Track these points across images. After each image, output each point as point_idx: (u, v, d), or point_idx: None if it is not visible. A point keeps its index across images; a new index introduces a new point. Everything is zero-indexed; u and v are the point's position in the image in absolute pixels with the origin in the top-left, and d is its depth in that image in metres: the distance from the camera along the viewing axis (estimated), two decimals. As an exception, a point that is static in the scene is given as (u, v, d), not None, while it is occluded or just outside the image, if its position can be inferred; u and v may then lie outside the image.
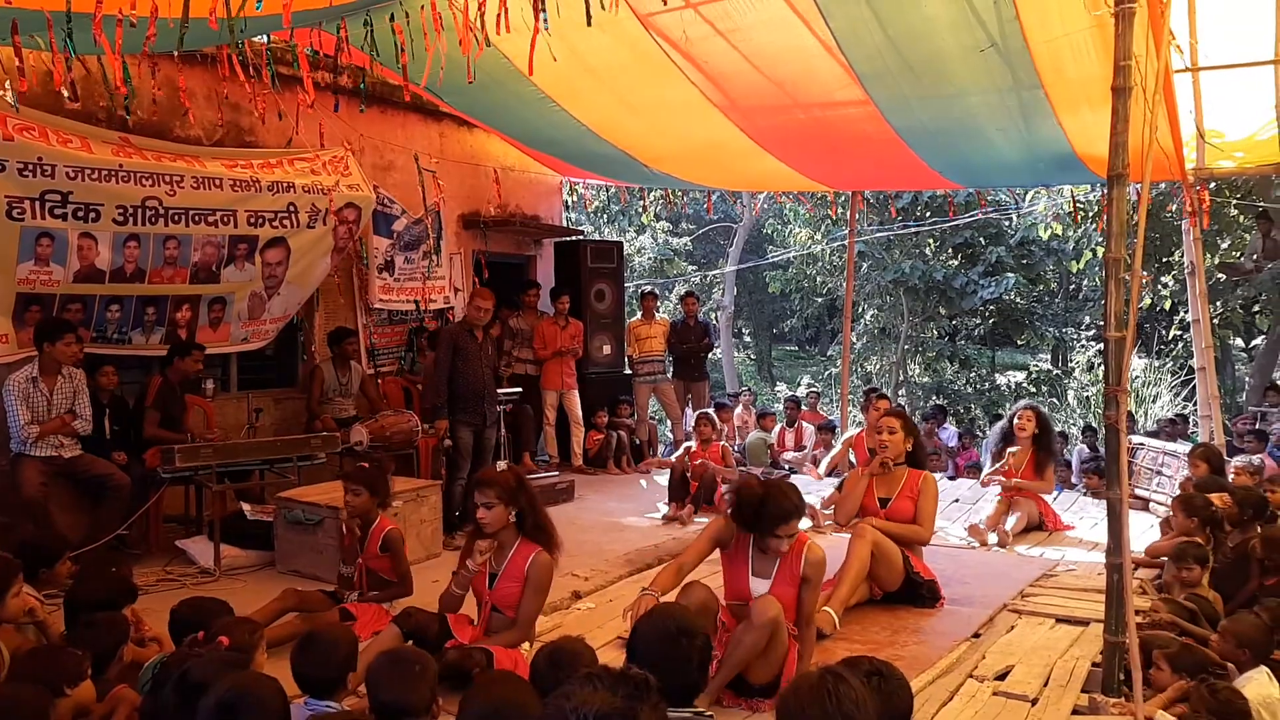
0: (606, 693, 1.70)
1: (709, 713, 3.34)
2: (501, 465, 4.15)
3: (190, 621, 3.60)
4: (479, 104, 7.52)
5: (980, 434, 13.77)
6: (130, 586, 4.12)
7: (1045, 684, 3.98)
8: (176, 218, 6.17)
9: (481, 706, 2.46)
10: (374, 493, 4.70)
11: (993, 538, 6.59)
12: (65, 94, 4.64)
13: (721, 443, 8.07)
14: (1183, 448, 7.66)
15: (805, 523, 6.98)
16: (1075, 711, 3.75)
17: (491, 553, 4.03)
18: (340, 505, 5.46)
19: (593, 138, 7.79)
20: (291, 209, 6.81)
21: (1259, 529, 5.20)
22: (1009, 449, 6.95)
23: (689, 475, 7.61)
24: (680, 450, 7.98)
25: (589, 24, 3.98)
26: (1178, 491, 6.33)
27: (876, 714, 2.08)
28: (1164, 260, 14.49)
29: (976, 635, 4.66)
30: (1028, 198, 14.43)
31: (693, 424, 8.13)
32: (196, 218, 6.28)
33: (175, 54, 5.17)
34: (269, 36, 5.08)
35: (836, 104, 6.60)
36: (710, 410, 8.64)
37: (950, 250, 17.72)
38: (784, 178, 8.92)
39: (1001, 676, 4.10)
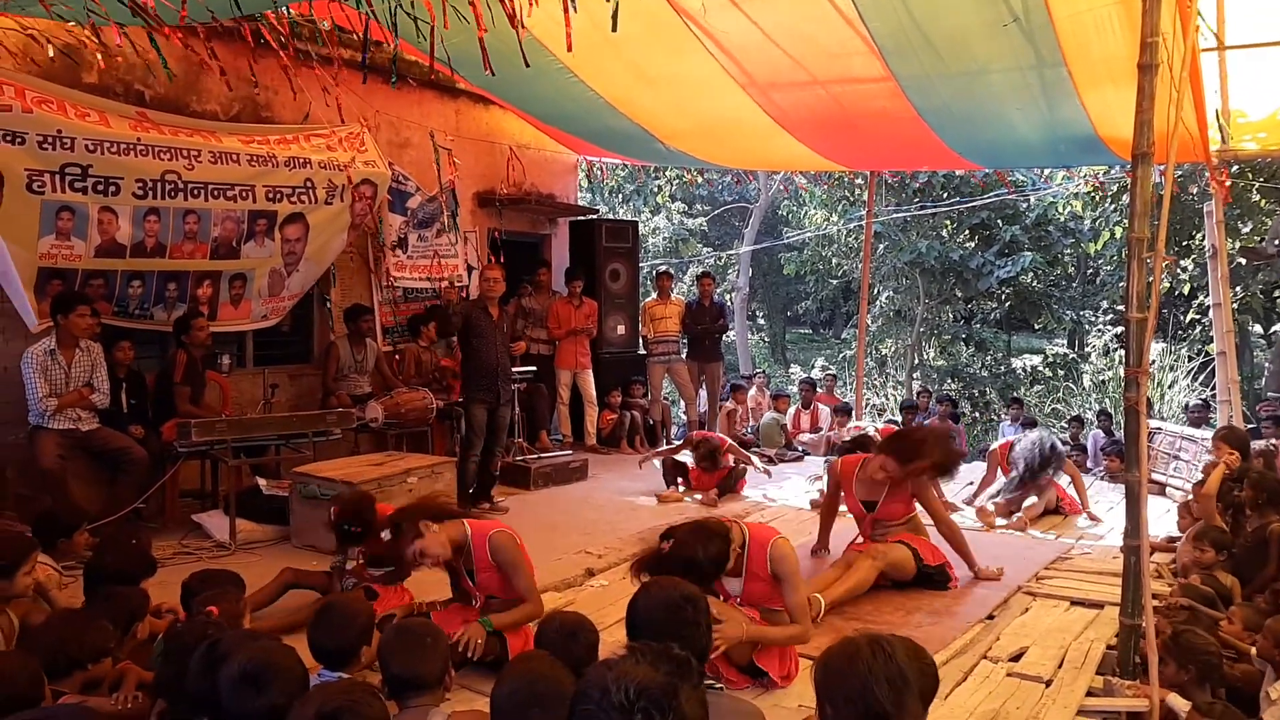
0: (649, 667, 1.70)
1: (719, 685, 3.35)
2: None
3: (202, 594, 3.63)
4: (497, 77, 7.44)
5: (995, 418, 13.71)
6: (150, 560, 4.15)
7: (1060, 666, 3.98)
8: (196, 192, 6.17)
9: (515, 682, 2.46)
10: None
11: (1001, 521, 6.57)
12: (99, 57, 4.63)
13: (728, 440, 8.02)
14: (1202, 433, 7.62)
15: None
16: (1090, 693, 3.74)
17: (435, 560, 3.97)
18: (355, 481, 5.52)
19: (610, 111, 7.74)
20: (309, 185, 6.81)
21: (1278, 515, 5.16)
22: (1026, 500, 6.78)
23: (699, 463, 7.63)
24: (683, 440, 7.94)
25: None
26: (1198, 476, 6.29)
27: (917, 690, 2.06)
28: (1183, 244, 14.36)
29: (991, 617, 4.65)
30: (1043, 176, 14.33)
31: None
32: (216, 192, 6.29)
33: (199, 28, 5.16)
34: (289, 10, 5.04)
35: (857, 79, 6.54)
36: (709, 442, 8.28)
37: (967, 231, 17.60)
38: (801, 158, 8.87)
39: (1016, 658, 4.09)
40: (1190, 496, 5.98)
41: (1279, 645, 3.67)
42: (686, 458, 7.71)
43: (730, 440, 7.90)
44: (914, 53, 5.96)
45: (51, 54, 5.39)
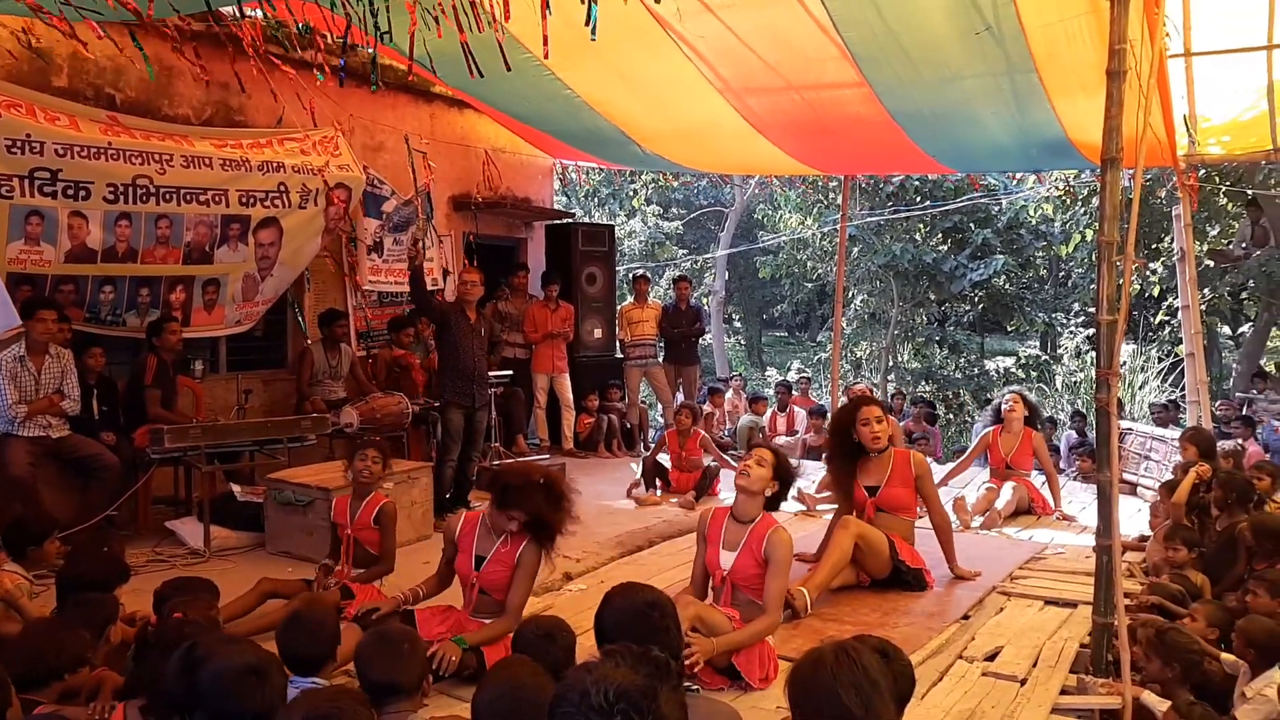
0: (628, 670, 1.72)
1: (695, 687, 3.37)
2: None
3: (173, 600, 3.60)
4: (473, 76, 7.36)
5: (969, 418, 13.83)
6: (123, 567, 4.10)
7: (1034, 665, 4.02)
8: (168, 196, 6.12)
9: (497, 689, 2.46)
10: (386, 465, 4.81)
11: (977, 520, 6.64)
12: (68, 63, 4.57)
13: (702, 432, 8.08)
14: (1171, 433, 7.72)
15: (797, 506, 7.06)
16: (1063, 692, 3.78)
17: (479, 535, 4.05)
18: (330, 486, 5.50)
19: (588, 111, 7.69)
20: (282, 189, 6.77)
21: (1246, 514, 5.25)
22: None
23: (678, 464, 7.69)
24: (656, 443, 8.04)
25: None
26: (1168, 476, 6.37)
27: (890, 693, 2.07)
28: (1153, 247, 14.56)
29: (966, 617, 4.69)
30: (1015, 179, 14.49)
31: (673, 413, 8.12)
32: (188, 197, 6.24)
33: (169, 25, 5.11)
34: (265, 12, 4.99)
35: (831, 85, 6.58)
36: (692, 401, 8.65)
37: (940, 234, 17.76)
38: (778, 162, 8.90)
39: (991, 657, 4.13)
40: (1159, 497, 6.05)
41: (1251, 644, 3.73)
42: (664, 459, 7.77)
43: (705, 435, 7.96)
44: (887, 60, 6.01)
45: (33, 43, 5.29)
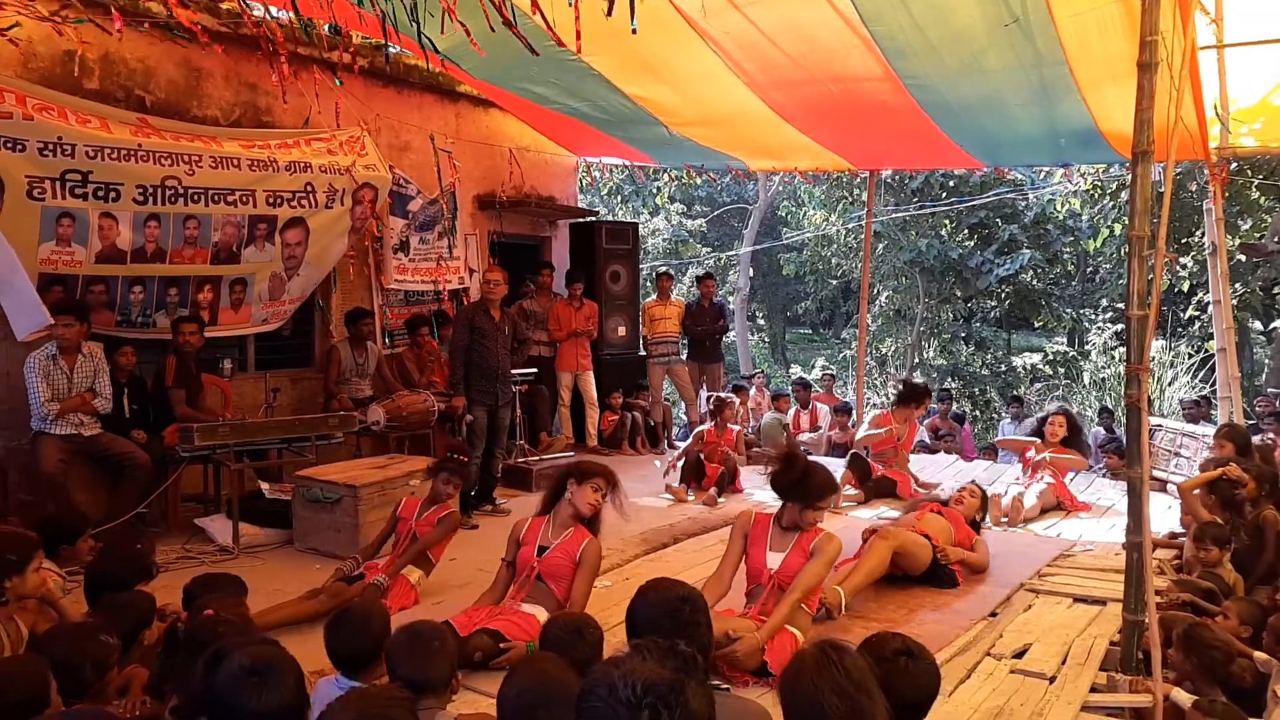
0: (655, 664, 1.71)
1: (725, 686, 3.36)
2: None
3: (202, 598, 3.62)
4: (496, 62, 7.23)
5: (996, 415, 13.72)
6: (148, 564, 4.13)
7: (1063, 662, 3.99)
8: (196, 197, 6.17)
9: (524, 682, 2.46)
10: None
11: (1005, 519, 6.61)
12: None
13: (735, 427, 8.08)
14: (1202, 429, 7.63)
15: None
16: (1093, 690, 3.75)
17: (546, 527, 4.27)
18: (358, 484, 5.56)
19: (614, 92, 7.60)
20: (309, 189, 6.81)
21: (1273, 505, 5.20)
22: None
23: (705, 458, 7.69)
24: (692, 437, 8.04)
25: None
26: (1198, 473, 6.30)
27: (878, 686, 2.07)
28: (1183, 241, 14.38)
29: (994, 614, 4.67)
30: (1042, 174, 14.35)
31: (711, 406, 8.13)
32: (216, 197, 6.29)
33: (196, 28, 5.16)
34: (298, 11, 5.01)
35: (856, 78, 6.54)
36: (730, 394, 8.65)
37: (966, 230, 17.63)
38: (805, 150, 8.82)
39: (1019, 655, 4.10)
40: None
41: (1278, 642, 3.68)
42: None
43: (738, 430, 7.98)
44: (915, 54, 5.97)
45: (66, 45, 5.30)
